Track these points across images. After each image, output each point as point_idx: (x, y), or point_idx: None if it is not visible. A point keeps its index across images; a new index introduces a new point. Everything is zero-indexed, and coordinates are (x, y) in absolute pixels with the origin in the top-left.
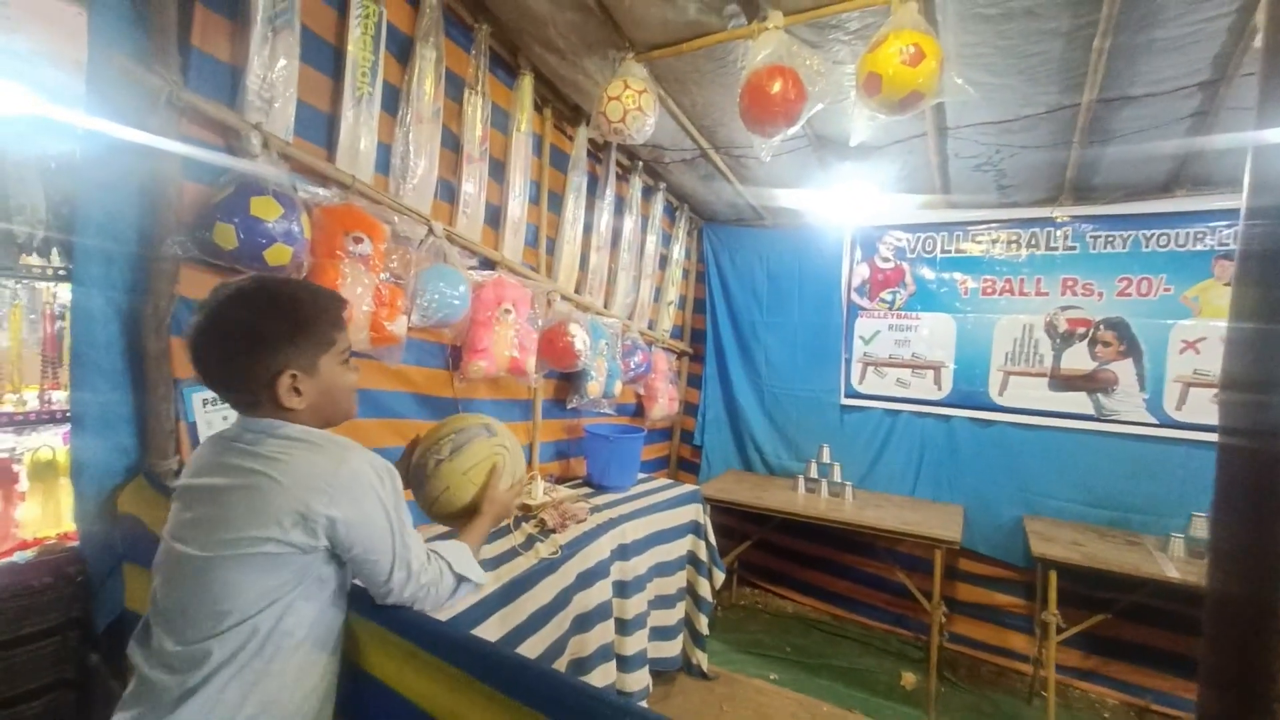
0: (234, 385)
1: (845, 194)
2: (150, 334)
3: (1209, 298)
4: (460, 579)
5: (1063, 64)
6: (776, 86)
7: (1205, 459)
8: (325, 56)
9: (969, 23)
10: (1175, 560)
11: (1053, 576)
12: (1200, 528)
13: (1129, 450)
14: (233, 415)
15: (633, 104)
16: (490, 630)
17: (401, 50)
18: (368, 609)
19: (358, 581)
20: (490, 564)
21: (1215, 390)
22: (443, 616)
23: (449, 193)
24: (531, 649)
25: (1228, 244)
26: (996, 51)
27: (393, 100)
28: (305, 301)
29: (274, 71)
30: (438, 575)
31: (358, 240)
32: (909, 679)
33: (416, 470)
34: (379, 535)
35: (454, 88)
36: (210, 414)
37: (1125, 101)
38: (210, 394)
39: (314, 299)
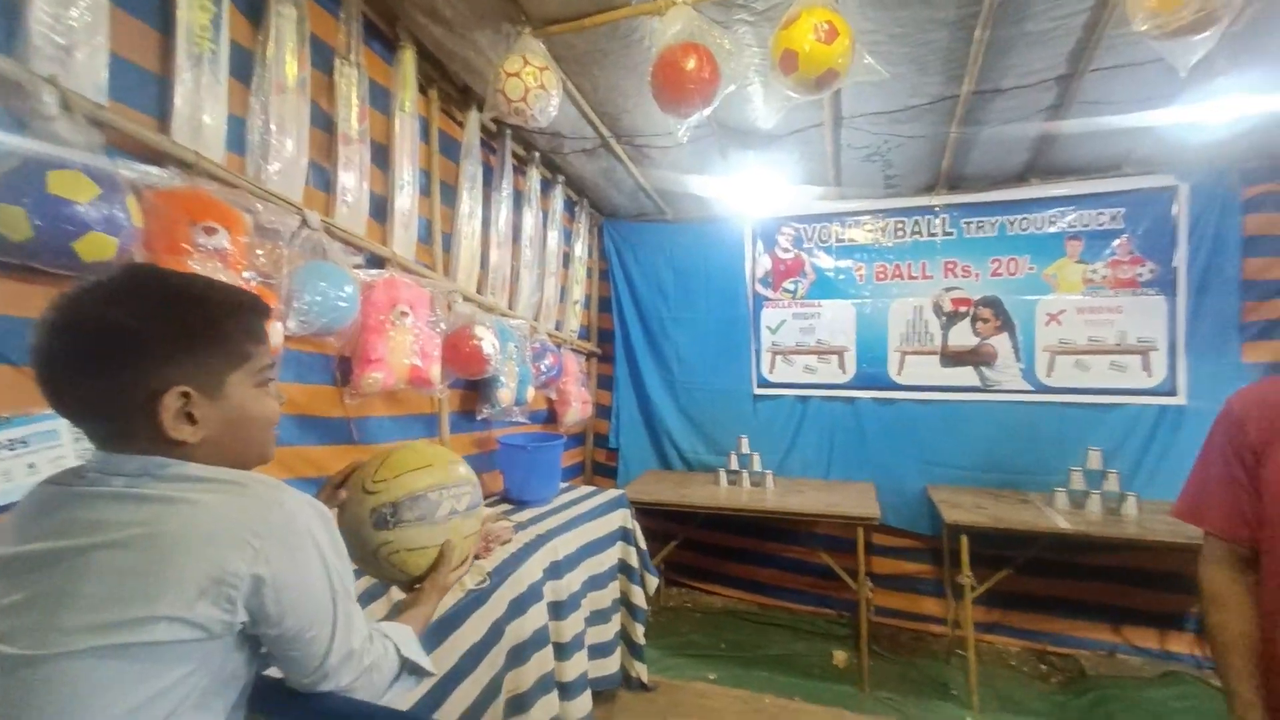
0: (97, 408)
1: (746, 184)
2: None
3: (1064, 274)
4: (406, 664)
5: (948, 54)
6: (691, 63)
7: (1074, 419)
8: (147, 1)
9: (867, 8)
10: (1061, 512)
11: (964, 540)
12: (1078, 481)
13: (1011, 416)
14: (51, 461)
15: (534, 81)
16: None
17: (251, 6)
18: (274, 703)
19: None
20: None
21: (1076, 357)
22: None
23: (323, 179)
24: (466, 694)
25: (1076, 226)
26: (891, 39)
27: (245, 65)
28: (210, 299)
29: (73, 10)
30: (381, 654)
31: (209, 231)
32: (840, 657)
33: (357, 513)
34: (319, 599)
35: (321, 57)
36: (8, 461)
37: (996, 94)
38: (6, 435)
39: (223, 296)
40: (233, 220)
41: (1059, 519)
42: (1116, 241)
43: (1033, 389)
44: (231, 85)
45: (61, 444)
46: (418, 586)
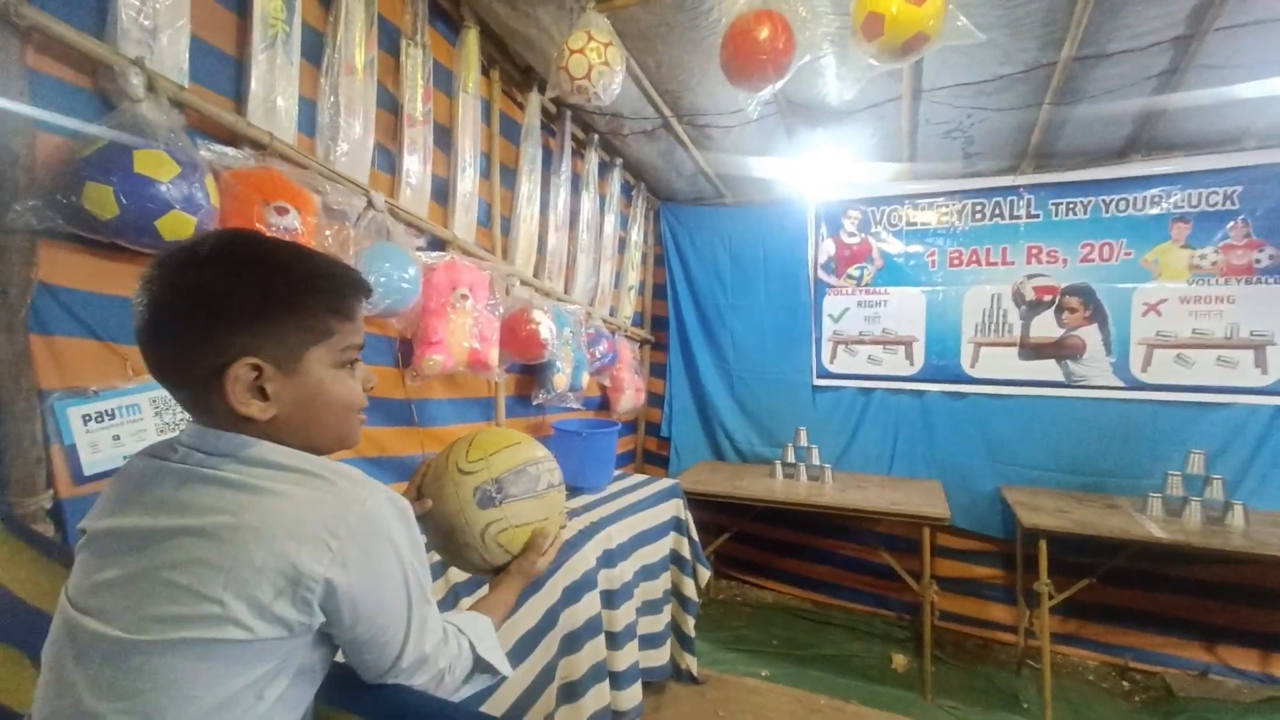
0: (176, 375)
1: (811, 164)
2: (0, 333)
3: (1168, 260)
4: (480, 664)
5: (1048, 15)
6: (765, 33)
7: (1172, 418)
8: None
9: None
10: (1155, 520)
11: (1042, 545)
12: (1176, 486)
13: (1099, 414)
14: (134, 434)
15: (598, 58)
16: None
17: None
18: (346, 695)
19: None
20: (467, 587)
21: (1178, 351)
22: None
23: (388, 162)
24: (519, 679)
25: (1183, 207)
26: (986, 1)
27: (316, 48)
28: (297, 267)
29: None
30: (455, 655)
31: (281, 211)
32: (900, 661)
33: (459, 495)
34: (394, 606)
35: (388, 39)
36: (96, 433)
37: (1099, 60)
38: (94, 408)
39: (312, 263)
40: (303, 201)
41: (1153, 527)
42: (1231, 224)
43: (1125, 385)
44: (303, 67)
45: (143, 418)
46: (505, 572)
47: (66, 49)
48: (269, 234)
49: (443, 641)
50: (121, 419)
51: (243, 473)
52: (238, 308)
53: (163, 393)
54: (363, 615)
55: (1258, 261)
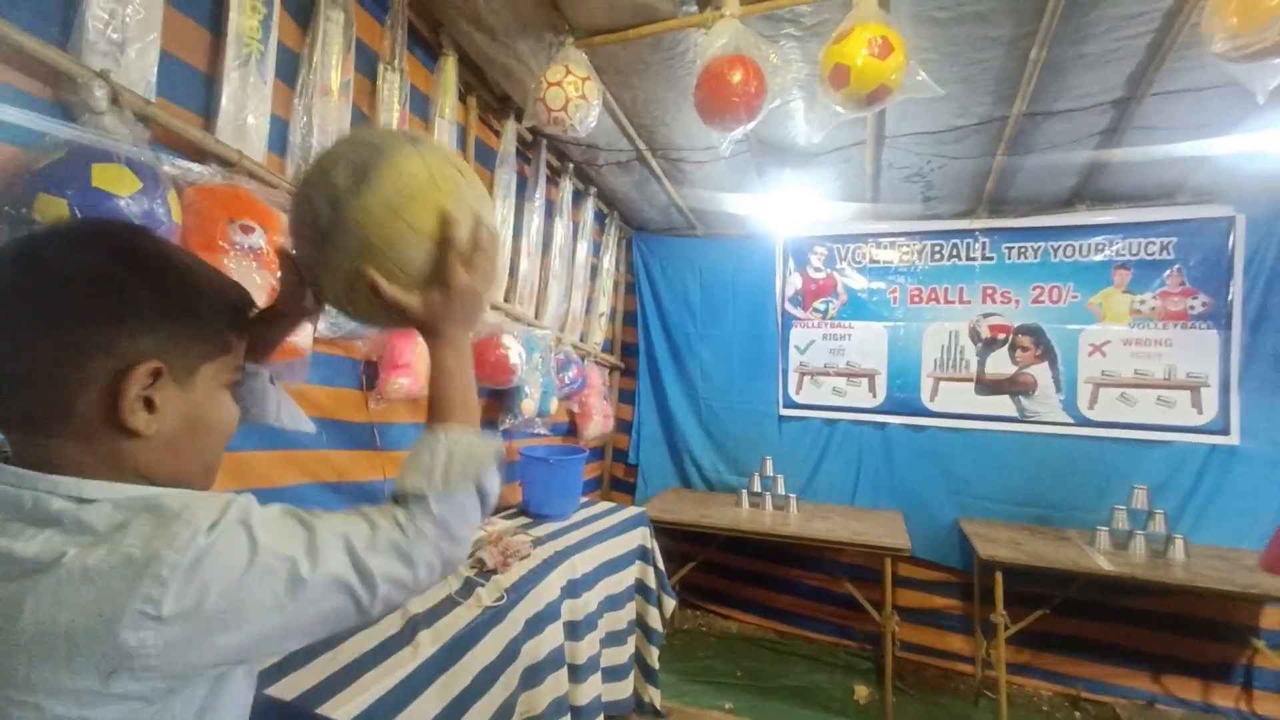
0: (30, 373)
1: (780, 201)
2: None
3: (1110, 304)
4: (444, 507)
5: (1001, 74)
6: (737, 76)
7: (1117, 454)
8: (200, 1)
9: (921, 25)
10: (1103, 552)
11: (998, 577)
12: (1121, 520)
13: (1050, 449)
14: None
15: (575, 92)
16: (429, 704)
17: (301, 10)
18: None
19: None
20: (424, 619)
21: (1121, 390)
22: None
23: None
24: (478, 716)
25: (1124, 255)
26: (944, 58)
27: (291, 68)
28: (203, 271)
29: (128, 8)
30: (399, 539)
31: (246, 230)
32: (862, 692)
33: (305, 234)
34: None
35: (366, 62)
36: None
37: (1047, 116)
38: None
39: (215, 273)
40: (270, 220)
41: (1101, 559)
42: (1167, 272)
43: (1073, 421)
44: (277, 87)
45: None
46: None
47: (27, 58)
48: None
49: (369, 551)
50: None
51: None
52: (144, 303)
53: None
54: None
55: (1191, 308)
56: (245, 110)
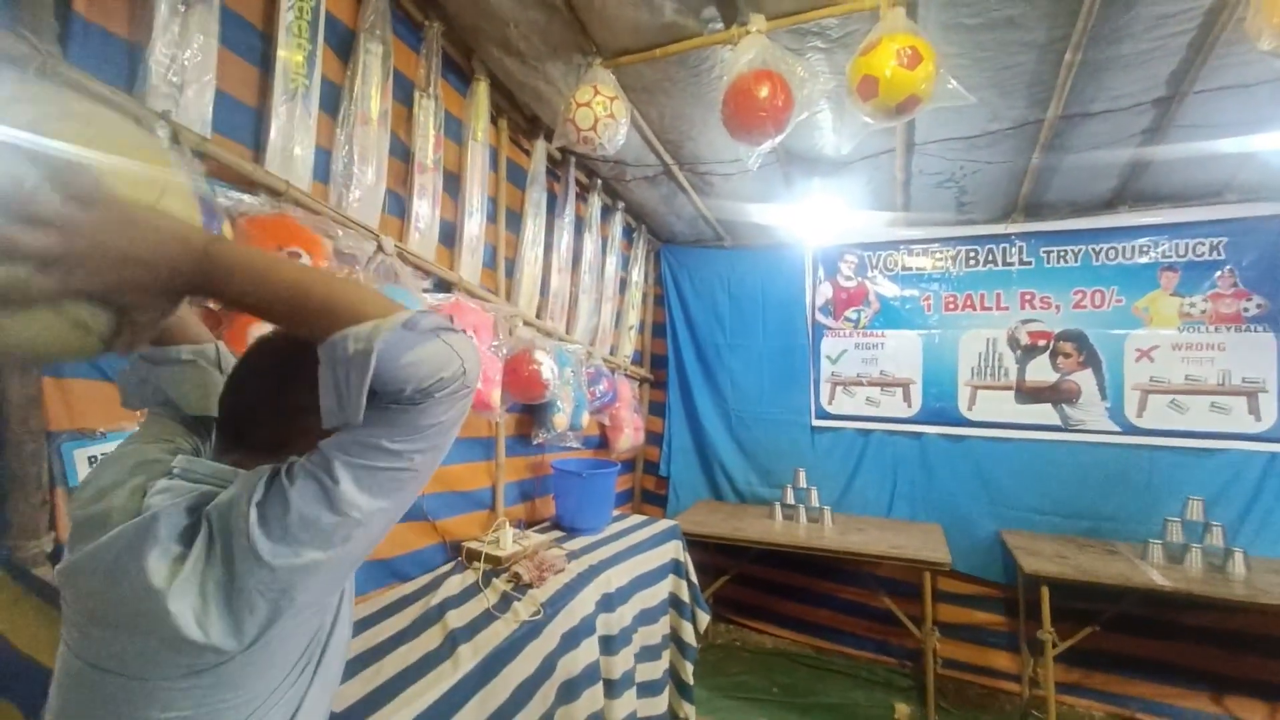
0: (280, 415)
1: (809, 211)
2: (12, 373)
3: (1158, 308)
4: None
5: (1034, 78)
6: (764, 91)
7: (1169, 464)
8: (251, 42)
9: (950, 32)
10: (1156, 567)
11: (1044, 592)
12: (1176, 533)
13: (1096, 458)
14: None
15: (604, 111)
16: (468, 717)
17: (342, 44)
18: None
19: None
20: (463, 634)
21: (1171, 397)
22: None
23: (399, 207)
24: None
25: (1171, 257)
26: (974, 63)
27: (333, 99)
28: None
29: (186, 52)
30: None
31: (293, 255)
32: (903, 711)
33: None
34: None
35: (402, 91)
36: None
37: (1085, 118)
38: (100, 450)
39: None
40: (314, 245)
41: (1155, 574)
42: (1218, 273)
43: (1120, 429)
44: (320, 118)
45: None
46: None
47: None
48: None
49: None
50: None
51: None
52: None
53: None
54: None
55: (1245, 310)
56: (292, 142)
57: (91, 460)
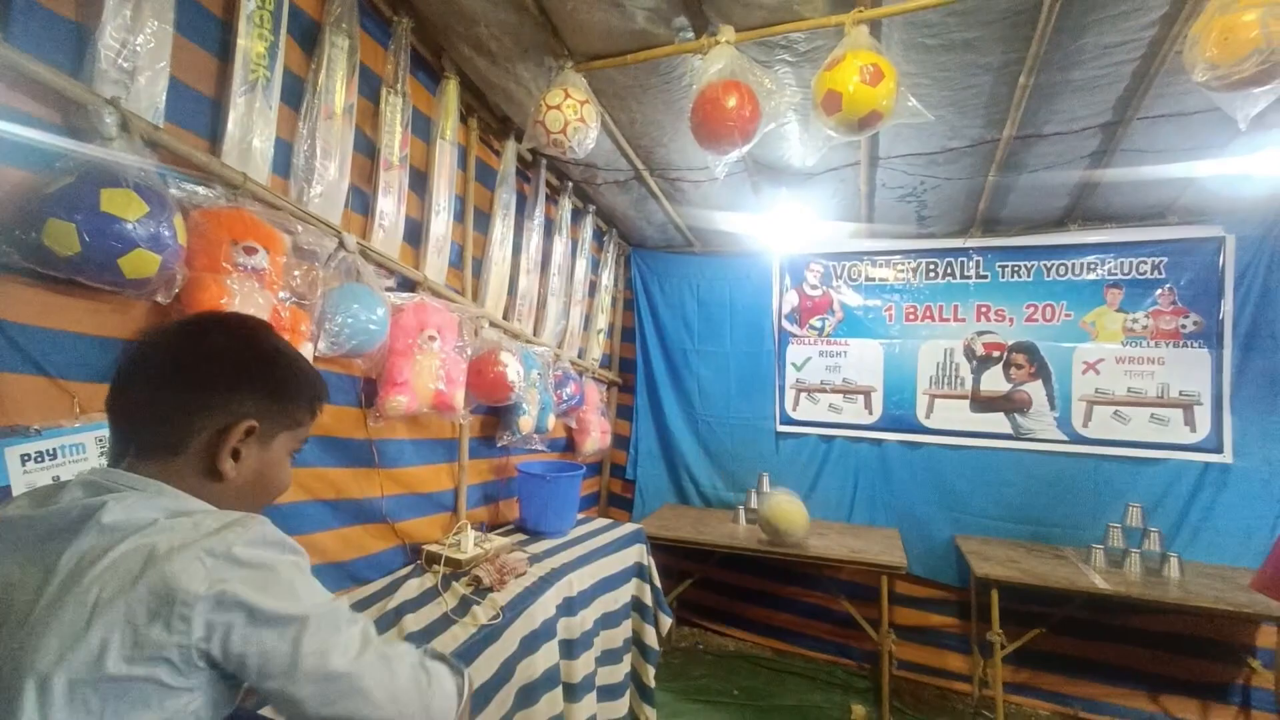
0: (166, 419)
1: (776, 220)
2: None
3: (1103, 323)
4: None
5: (990, 99)
6: (732, 101)
7: (1112, 472)
8: (209, 29)
9: (911, 52)
10: (1099, 571)
11: (994, 595)
12: (1116, 538)
13: (1045, 466)
14: (73, 472)
15: (574, 115)
16: None
17: (306, 36)
18: None
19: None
20: (419, 637)
21: (1115, 408)
22: None
23: (363, 203)
24: None
25: (1116, 274)
26: (934, 83)
27: (295, 92)
28: (300, 363)
29: (139, 37)
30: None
31: (249, 251)
32: (859, 712)
33: None
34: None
35: (369, 86)
36: (35, 474)
37: (1038, 139)
38: (35, 447)
39: (308, 366)
40: (273, 241)
41: (1097, 578)
42: (1158, 291)
43: (1068, 439)
44: (281, 111)
45: (87, 457)
46: None
47: (38, 86)
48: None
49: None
50: (64, 458)
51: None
52: (257, 379)
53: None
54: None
55: (1183, 327)
56: (251, 134)
57: (25, 458)
